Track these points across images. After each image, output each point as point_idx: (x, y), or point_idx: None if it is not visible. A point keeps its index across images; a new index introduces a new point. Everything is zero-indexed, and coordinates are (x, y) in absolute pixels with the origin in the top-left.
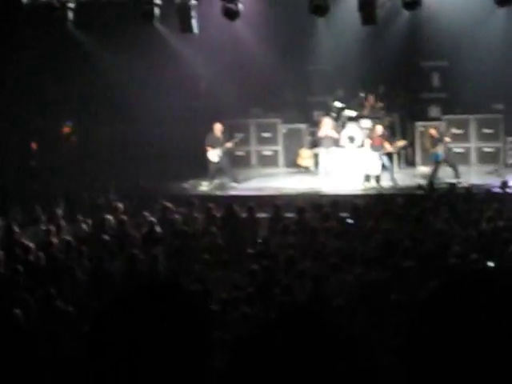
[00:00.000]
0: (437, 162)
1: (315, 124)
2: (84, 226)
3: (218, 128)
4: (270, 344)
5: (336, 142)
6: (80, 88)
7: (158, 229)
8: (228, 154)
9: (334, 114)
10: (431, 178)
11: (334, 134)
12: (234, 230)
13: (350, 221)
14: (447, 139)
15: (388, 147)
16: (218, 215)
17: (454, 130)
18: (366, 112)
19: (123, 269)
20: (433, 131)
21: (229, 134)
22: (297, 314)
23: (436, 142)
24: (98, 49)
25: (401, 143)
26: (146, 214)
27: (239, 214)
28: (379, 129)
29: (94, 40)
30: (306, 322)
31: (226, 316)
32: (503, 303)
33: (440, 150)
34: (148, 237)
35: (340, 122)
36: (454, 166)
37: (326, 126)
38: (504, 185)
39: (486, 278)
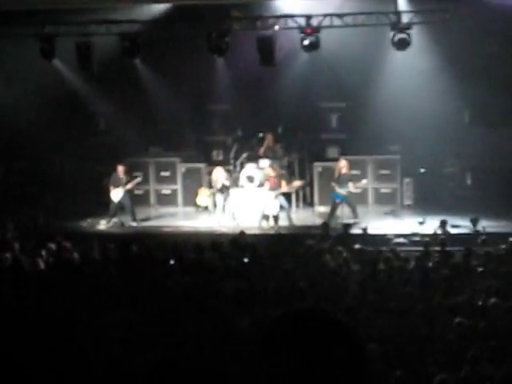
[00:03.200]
0: (335, 202)
1: (213, 164)
2: None
3: (120, 169)
4: None
5: (233, 185)
6: None
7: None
8: (128, 193)
9: (232, 155)
10: (328, 217)
11: (226, 182)
12: (130, 269)
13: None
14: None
15: (284, 187)
16: (116, 254)
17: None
18: (264, 152)
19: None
20: (343, 166)
21: (129, 173)
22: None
23: (342, 179)
24: None
25: (297, 183)
26: (43, 252)
27: (137, 253)
28: (277, 169)
29: None
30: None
31: (120, 356)
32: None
33: (342, 189)
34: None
35: (239, 161)
36: (352, 206)
37: (218, 175)
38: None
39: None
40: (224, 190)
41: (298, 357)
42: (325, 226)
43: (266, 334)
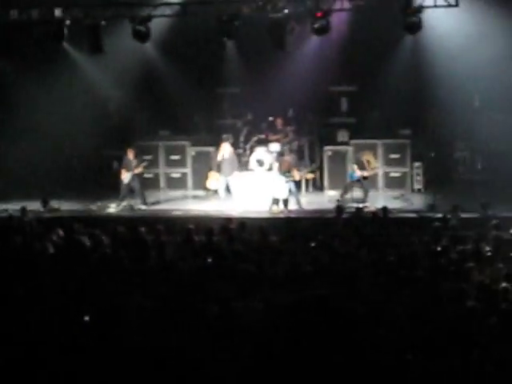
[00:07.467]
0: (351, 182)
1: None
2: None
3: (130, 152)
4: None
5: (240, 166)
6: None
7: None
8: (138, 177)
9: (241, 138)
10: (340, 198)
11: (233, 157)
12: (141, 252)
13: None
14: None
15: (296, 175)
16: (126, 238)
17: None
18: (274, 136)
19: None
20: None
21: (139, 156)
22: None
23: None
24: (4, 68)
25: (309, 176)
26: (54, 236)
27: (146, 236)
28: (287, 153)
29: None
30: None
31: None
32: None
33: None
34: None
35: (249, 145)
36: (365, 190)
37: (224, 151)
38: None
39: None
40: (226, 167)
41: (309, 341)
42: (339, 209)
43: (277, 318)
